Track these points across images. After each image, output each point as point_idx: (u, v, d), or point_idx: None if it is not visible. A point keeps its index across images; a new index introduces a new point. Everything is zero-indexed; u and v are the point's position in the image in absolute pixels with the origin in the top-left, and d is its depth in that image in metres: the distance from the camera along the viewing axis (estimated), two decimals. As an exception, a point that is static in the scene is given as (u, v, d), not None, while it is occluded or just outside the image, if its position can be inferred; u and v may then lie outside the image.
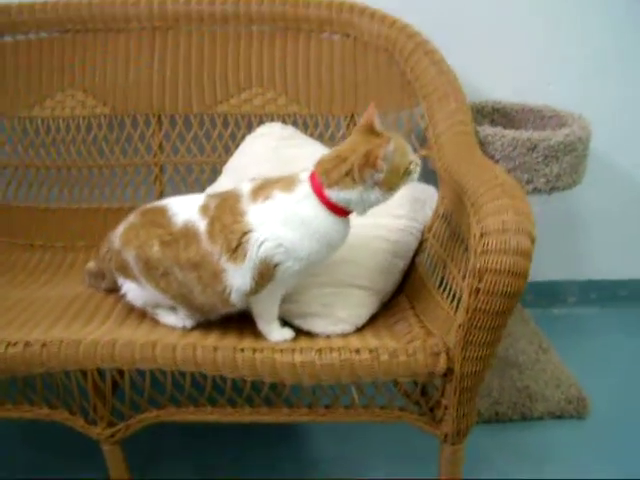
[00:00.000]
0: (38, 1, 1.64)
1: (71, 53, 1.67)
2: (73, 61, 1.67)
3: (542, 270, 2.05)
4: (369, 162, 1.10)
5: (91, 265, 1.47)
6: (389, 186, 1.14)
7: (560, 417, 1.67)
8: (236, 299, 1.20)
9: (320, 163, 1.16)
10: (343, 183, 1.12)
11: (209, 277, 1.19)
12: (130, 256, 1.25)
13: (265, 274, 1.17)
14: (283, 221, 1.15)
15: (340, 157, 1.14)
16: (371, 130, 1.15)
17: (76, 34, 1.67)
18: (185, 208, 1.24)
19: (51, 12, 1.64)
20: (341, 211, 1.16)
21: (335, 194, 1.13)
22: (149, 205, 1.32)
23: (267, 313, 1.24)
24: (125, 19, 1.65)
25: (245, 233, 1.16)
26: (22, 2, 1.64)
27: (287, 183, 1.18)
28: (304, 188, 1.16)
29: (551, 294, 2.16)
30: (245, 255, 1.15)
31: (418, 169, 1.16)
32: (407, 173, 1.15)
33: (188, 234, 1.20)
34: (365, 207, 1.16)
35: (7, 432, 1.64)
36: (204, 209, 1.21)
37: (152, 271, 1.23)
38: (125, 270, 1.29)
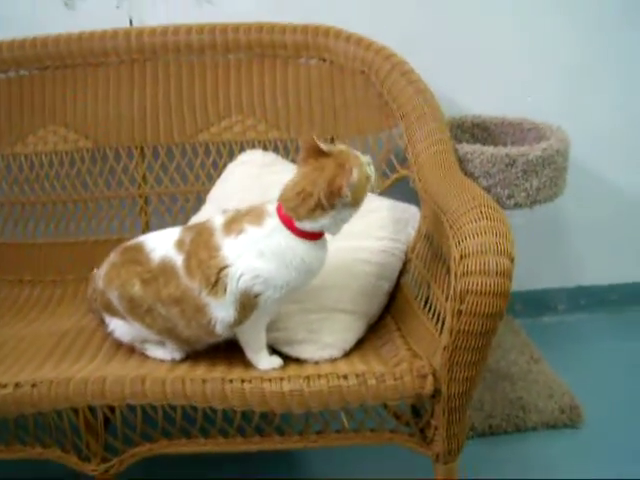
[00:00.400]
0: (17, 39, 1.66)
1: (51, 89, 1.69)
2: (53, 97, 1.69)
3: (530, 279, 2.07)
4: (334, 192, 1.11)
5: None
6: (357, 201, 1.15)
7: (554, 427, 1.67)
8: (221, 330, 1.21)
9: (285, 200, 1.16)
10: (313, 216, 1.14)
11: (192, 311, 1.20)
12: (113, 296, 1.26)
13: (247, 305, 1.18)
14: (258, 253, 1.16)
15: (304, 192, 1.14)
16: (318, 153, 1.15)
17: (55, 70, 1.68)
18: (161, 244, 1.24)
19: (30, 49, 1.66)
20: (315, 236, 1.17)
21: (308, 225, 1.15)
22: (128, 243, 1.33)
23: (254, 342, 1.25)
24: (103, 53, 1.67)
25: (222, 268, 1.17)
26: (1, 40, 1.66)
27: (256, 216, 1.19)
28: (273, 221, 1.17)
29: (540, 303, 2.17)
30: (225, 289, 1.17)
31: (372, 167, 1.18)
32: (368, 180, 1.17)
33: (166, 270, 1.21)
34: (339, 227, 1.18)
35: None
36: (179, 244, 1.22)
37: (136, 309, 1.24)
38: (110, 309, 1.30)
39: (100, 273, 1.31)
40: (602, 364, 1.94)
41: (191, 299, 1.19)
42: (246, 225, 1.18)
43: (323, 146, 1.14)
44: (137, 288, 1.23)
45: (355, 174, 1.11)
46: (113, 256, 1.31)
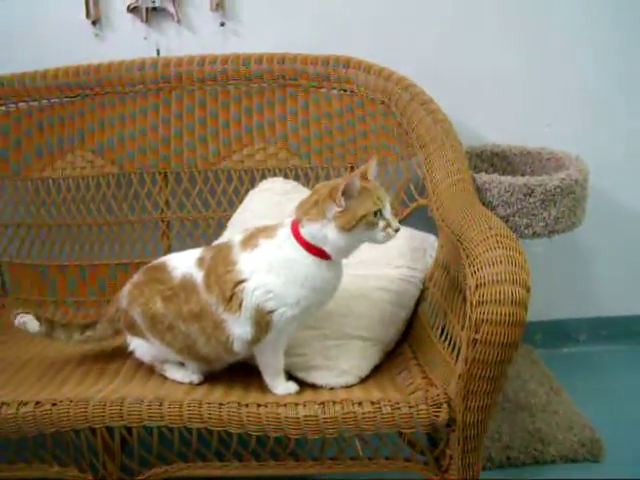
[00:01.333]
0: (49, 69, 1.72)
1: (80, 116, 1.75)
2: (82, 124, 1.75)
3: (550, 309, 2.06)
4: (331, 195, 1.14)
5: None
6: (342, 225, 1.14)
7: (574, 461, 1.64)
8: (239, 348, 1.23)
9: (298, 206, 1.21)
10: (310, 215, 1.16)
11: (211, 327, 1.23)
12: (136, 313, 1.30)
13: (262, 322, 1.19)
14: (268, 267, 1.19)
15: (316, 192, 1.19)
16: (363, 177, 1.18)
17: (85, 98, 1.74)
18: (183, 262, 1.29)
19: (62, 78, 1.72)
20: (317, 251, 1.17)
21: (304, 230, 1.17)
22: (151, 263, 1.37)
23: (271, 366, 1.27)
24: (131, 82, 1.72)
25: (237, 283, 1.19)
26: (35, 70, 1.72)
27: (271, 229, 1.22)
28: (284, 231, 1.20)
29: (560, 333, 2.15)
30: (240, 304, 1.19)
31: (390, 231, 1.16)
32: (367, 221, 1.14)
33: (187, 287, 1.25)
34: (331, 247, 1.16)
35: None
36: (200, 261, 1.26)
37: (158, 326, 1.27)
38: (133, 328, 1.33)
39: (123, 293, 1.35)
40: (623, 396, 1.90)
41: (209, 315, 1.22)
42: (261, 240, 1.21)
43: (370, 174, 1.19)
44: (159, 305, 1.26)
45: (353, 190, 1.13)
46: (136, 276, 1.35)
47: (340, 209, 1.13)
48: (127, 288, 1.35)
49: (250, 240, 1.22)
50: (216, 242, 1.56)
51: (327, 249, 1.17)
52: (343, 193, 1.12)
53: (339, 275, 1.23)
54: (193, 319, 1.24)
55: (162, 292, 1.27)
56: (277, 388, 1.26)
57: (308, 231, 1.17)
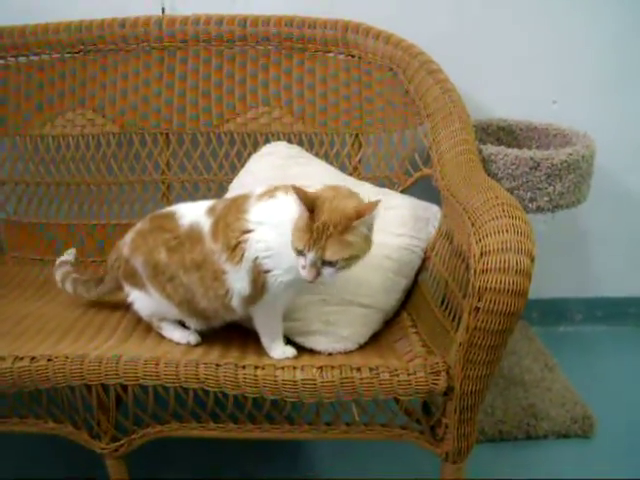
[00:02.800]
0: (51, 22, 1.68)
1: (82, 73, 1.71)
2: (84, 81, 1.71)
3: (548, 287, 2.05)
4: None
5: (75, 276, 1.48)
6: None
7: (566, 436, 1.66)
8: (236, 303, 1.22)
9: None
10: None
11: (210, 278, 1.21)
12: (138, 262, 1.29)
13: (258, 282, 1.18)
14: (276, 222, 1.16)
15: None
16: (355, 217, 1.09)
17: (87, 54, 1.70)
18: (192, 211, 1.27)
19: (63, 33, 1.68)
20: None
21: None
22: (157, 212, 1.36)
23: (270, 328, 1.26)
24: (135, 39, 1.69)
25: (244, 232, 1.18)
26: (36, 24, 1.68)
27: (290, 187, 1.18)
28: None
29: (557, 312, 2.16)
30: (242, 255, 1.18)
31: (303, 272, 1.10)
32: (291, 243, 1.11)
33: (193, 235, 1.23)
34: None
35: (10, 446, 1.66)
36: (211, 210, 1.25)
37: (159, 276, 1.26)
38: (133, 278, 1.31)
39: (125, 240, 1.34)
40: (616, 376, 1.92)
41: (211, 264, 1.20)
42: (279, 193, 1.19)
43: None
44: (163, 255, 1.25)
45: (300, 206, 1.08)
46: (140, 224, 1.34)
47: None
48: (130, 236, 1.33)
49: (269, 192, 1.20)
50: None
51: None
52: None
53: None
54: (194, 269, 1.22)
55: (167, 241, 1.25)
56: (274, 351, 1.25)
57: None
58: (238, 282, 1.20)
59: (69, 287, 1.46)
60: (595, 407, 1.71)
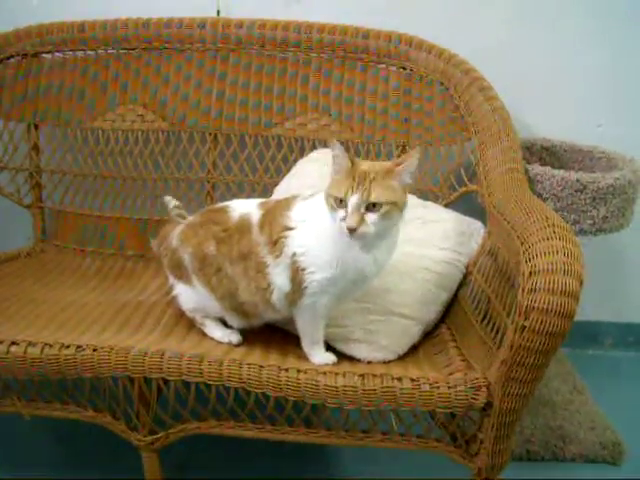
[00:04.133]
0: (109, 19, 1.72)
1: (135, 69, 1.75)
2: (137, 77, 1.75)
3: (581, 310, 2.03)
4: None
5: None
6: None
7: (593, 461, 1.64)
8: (277, 299, 1.24)
9: None
10: None
11: (254, 269, 1.23)
12: (186, 254, 1.31)
13: (296, 279, 1.20)
14: (314, 221, 1.19)
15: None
16: (395, 164, 1.14)
17: (142, 52, 1.74)
18: (244, 205, 1.30)
19: (120, 30, 1.72)
20: None
21: None
22: (212, 206, 1.39)
23: (310, 334, 1.27)
24: (189, 40, 1.72)
25: (285, 228, 1.20)
26: (94, 20, 1.72)
27: None
28: None
29: (588, 335, 2.14)
30: (282, 250, 1.20)
31: (343, 225, 1.10)
32: (328, 202, 1.13)
33: (242, 227, 1.25)
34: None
35: (47, 431, 1.69)
36: (263, 203, 1.28)
37: (206, 269, 1.29)
38: (178, 270, 1.34)
39: (175, 232, 1.36)
40: (645, 404, 1.91)
41: (255, 256, 1.23)
42: (320, 193, 1.19)
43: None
44: (212, 247, 1.28)
45: (337, 156, 1.11)
46: (193, 217, 1.37)
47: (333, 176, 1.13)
48: (180, 228, 1.36)
49: (315, 193, 1.23)
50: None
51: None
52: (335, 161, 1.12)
53: (377, 260, 1.19)
54: (240, 259, 1.25)
55: (216, 234, 1.28)
56: (315, 357, 1.26)
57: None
58: (278, 277, 1.22)
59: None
60: (623, 433, 1.69)
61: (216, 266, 1.27)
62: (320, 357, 1.26)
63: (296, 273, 1.20)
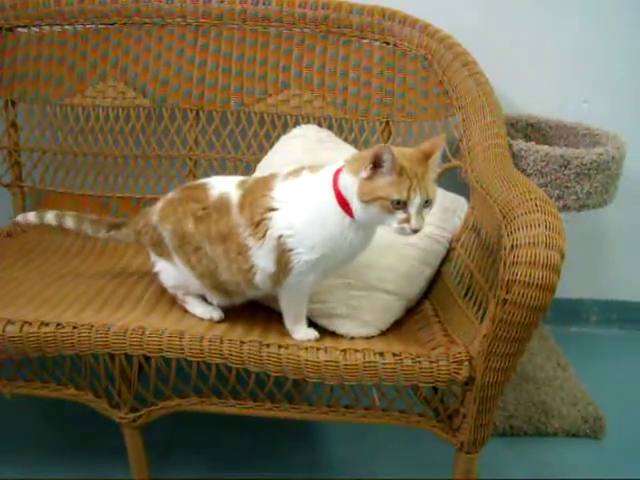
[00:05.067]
0: (87, -8, 1.68)
1: (115, 45, 1.72)
2: (116, 53, 1.72)
3: (564, 287, 2.02)
4: (372, 155, 1.07)
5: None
6: (359, 194, 1.09)
7: (575, 435, 1.67)
8: (259, 280, 1.22)
9: (349, 159, 1.16)
10: (351, 166, 1.12)
11: (234, 251, 1.22)
12: (166, 231, 1.29)
13: (281, 260, 1.18)
14: (299, 201, 1.17)
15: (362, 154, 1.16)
16: (425, 156, 1.12)
17: (121, 26, 1.70)
18: (224, 183, 1.28)
19: (98, 4, 1.68)
20: (344, 204, 1.13)
21: (341, 177, 1.13)
22: (190, 183, 1.37)
23: (294, 310, 1.26)
24: (170, 14, 1.69)
25: (268, 209, 1.18)
26: (72, -7, 1.69)
27: (319, 167, 1.20)
28: (328, 171, 1.17)
29: (572, 312, 2.16)
30: (265, 232, 1.18)
31: (406, 227, 1.09)
32: (382, 205, 1.08)
33: (221, 206, 1.23)
34: (354, 207, 1.11)
35: (29, 409, 1.68)
36: (241, 183, 1.26)
37: (185, 246, 1.27)
38: (159, 247, 1.32)
39: (155, 209, 1.34)
40: (628, 379, 1.93)
41: (235, 237, 1.21)
42: (305, 171, 1.19)
43: (434, 159, 1.14)
44: (191, 225, 1.26)
45: (385, 159, 1.05)
46: (171, 194, 1.34)
47: (365, 176, 1.08)
48: (160, 204, 1.34)
49: (296, 172, 1.21)
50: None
51: (352, 207, 1.13)
52: (372, 162, 1.07)
53: (364, 240, 1.18)
54: (219, 240, 1.23)
55: (195, 212, 1.26)
56: (297, 333, 1.25)
57: (342, 180, 1.13)
58: (262, 259, 1.20)
59: (70, 223, 1.44)
60: (605, 409, 1.71)
61: (195, 244, 1.26)
62: (302, 333, 1.26)
63: (282, 254, 1.18)
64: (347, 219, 1.14)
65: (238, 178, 1.29)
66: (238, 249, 1.21)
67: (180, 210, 1.28)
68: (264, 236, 1.18)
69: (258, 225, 1.18)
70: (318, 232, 1.15)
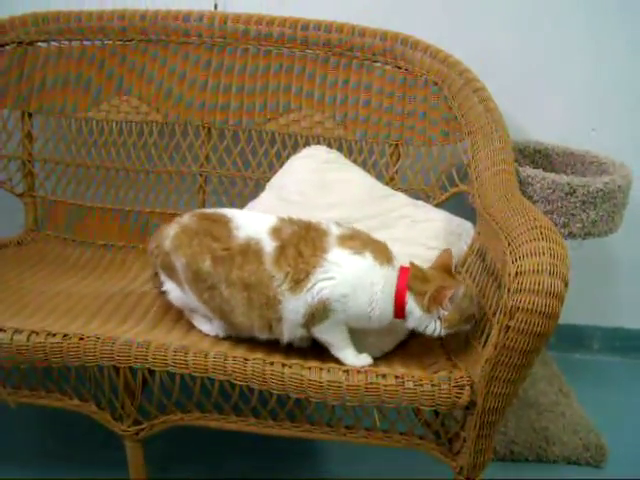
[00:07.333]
0: (106, 10, 1.72)
1: (131, 61, 1.74)
2: (132, 69, 1.74)
3: (568, 314, 2.02)
4: (437, 298, 1.18)
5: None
6: (449, 324, 1.20)
7: (576, 463, 1.66)
8: (286, 330, 1.21)
9: (412, 267, 1.23)
10: (419, 301, 1.19)
11: (260, 302, 1.19)
12: (179, 262, 1.25)
13: (317, 314, 1.18)
14: (358, 282, 1.18)
15: (425, 276, 1.22)
16: (448, 271, 1.24)
17: (138, 43, 1.73)
18: (251, 224, 1.24)
19: (117, 21, 1.72)
20: (401, 314, 1.21)
21: (409, 303, 1.20)
22: (208, 211, 1.33)
23: (333, 341, 1.24)
24: (186, 33, 1.72)
25: (319, 271, 1.17)
26: (91, 10, 1.72)
27: (381, 252, 1.21)
28: (393, 273, 1.20)
29: (575, 339, 2.16)
30: (304, 289, 1.17)
31: (473, 322, 1.23)
32: (468, 320, 1.21)
33: (249, 252, 1.20)
34: (419, 327, 1.22)
35: (32, 419, 1.69)
36: (275, 231, 1.21)
37: (199, 283, 1.24)
38: (170, 271, 1.30)
39: (169, 233, 1.29)
40: (631, 408, 1.92)
41: (264, 288, 1.18)
42: (369, 253, 1.19)
43: (453, 268, 1.27)
44: (207, 264, 1.21)
45: (460, 297, 1.18)
46: (188, 219, 1.29)
47: (446, 312, 1.19)
48: (174, 230, 1.28)
49: (352, 242, 1.20)
50: (252, 203, 1.59)
51: (411, 323, 1.22)
52: (450, 300, 1.17)
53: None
54: (242, 287, 1.19)
55: (214, 251, 1.21)
56: (348, 359, 1.23)
57: (411, 308, 1.20)
58: (293, 313, 1.19)
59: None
60: (607, 437, 1.71)
61: (210, 283, 1.22)
62: (353, 358, 1.23)
63: (319, 311, 1.18)
64: (392, 317, 1.21)
65: (269, 222, 1.24)
66: (266, 300, 1.19)
67: (196, 243, 1.23)
68: (301, 291, 1.17)
69: (299, 282, 1.17)
70: (366, 313, 1.20)
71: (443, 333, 1.21)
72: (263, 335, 1.24)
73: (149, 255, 1.37)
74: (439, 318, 1.20)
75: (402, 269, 1.21)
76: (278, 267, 1.18)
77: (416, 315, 1.20)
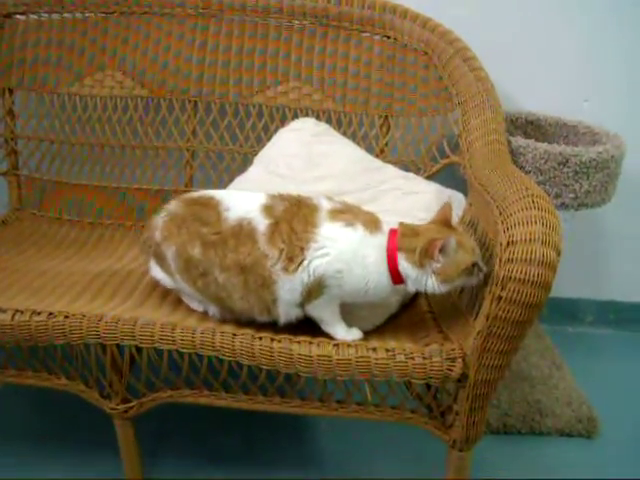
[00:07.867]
0: (87, -19, 1.67)
1: (114, 34, 1.70)
2: (115, 42, 1.70)
3: (561, 286, 2.02)
4: (429, 251, 1.13)
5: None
6: (445, 279, 1.14)
7: (569, 435, 1.66)
8: (282, 310, 1.18)
9: (401, 226, 1.18)
10: (409, 258, 1.15)
11: (257, 283, 1.16)
12: (169, 251, 1.22)
13: (313, 291, 1.16)
14: (351, 255, 1.15)
15: (415, 231, 1.17)
16: (447, 224, 1.19)
17: (120, 15, 1.69)
18: (241, 204, 1.20)
19: (97, -9, 1.67)
20: (399, 279, 1.17)
21: (401, 264, 1.15)
22: (195, 194, 1.27)
23: (326, 317, 1.22)
24: (170, 4, 1.68)
25: (312, 246, 1.14)
26: (72, -20, 1.67)
27: (372, 222, 1.17)
28: (382, 238, 1.16)
29: (568, 312, 2.15)
30: (299, 265, 1.13)
31: (481, 275, 1.16)
32: (466, 272, 1.15)
33: (241, 233, 1.16)
34: (421, 288, 1.17)
35: (21, 398, 1.68)
36: (267, 209, 1.17)
37: (191, 271, 1.20)
38: (162, 261, 1.26)
39: (158, 223, 1.25)
40: (622, 381, 1.92)
41: (261, 269, 1.15)
42: (360, 224, 1.16)
43: (453, 221, 1.21)
44: (197, 250, 1.18)
45: (452, 247, 1.12)
46: (175, 206, 1.25)
47: (439, 265, 1.13)
48: (163, 219, 1.24)
49: (343, 215, 1.17)
50: (240, 177, 1.56)
51: (411, 286, 1.17)
52: (440, 251, 1.12)
53: (399, 292, 1.23)
54: (238, 271, 1.16)
55: (204, 236, 1.18)
56: (338, 334, 1.21)
57: (404, 269, 1.15)
58: (289, 292, 1.16)
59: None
60: (599, 409, 1.71)
61: (202, 270, 1.19)
62: (344, 332, 1.21)
63: (316, 288, 1.15)
64: (391, 284, 1.17)
65: (260, 200, 1.20)
66: (262, 281, 1.15)
67: (184, 231, 1.19)
68: (296, 269, 1.14)
69: (292, 259, 1.14)
70: (362, 287, 1.16)
71: (443, 289, 1.15)
72: (263, 317, 1.21)
73: (143, 245, 1.33)
74: (433, 272, 1.14)
75: (391, 231, 1.18)
76: (272, 246, 1.14)
77: (412, 275, 1.15)
